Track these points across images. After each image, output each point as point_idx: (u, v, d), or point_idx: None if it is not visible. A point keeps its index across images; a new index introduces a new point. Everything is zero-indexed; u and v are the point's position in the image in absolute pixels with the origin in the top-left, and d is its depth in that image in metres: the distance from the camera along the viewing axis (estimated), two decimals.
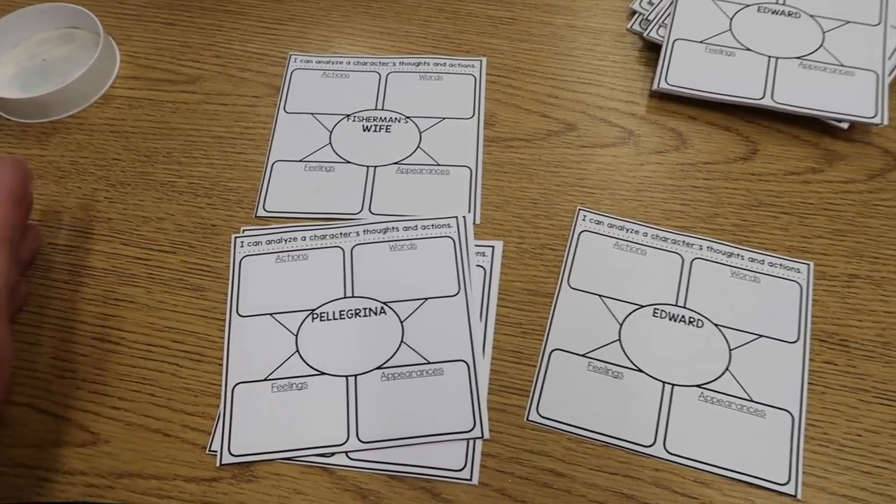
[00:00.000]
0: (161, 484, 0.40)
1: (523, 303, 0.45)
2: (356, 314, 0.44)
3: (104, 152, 0.52)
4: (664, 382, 0.42)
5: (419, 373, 0.42)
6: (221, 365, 0.43)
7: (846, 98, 0.50)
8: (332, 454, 0.40)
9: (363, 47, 0.57)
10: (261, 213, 0.49)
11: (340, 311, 0.45)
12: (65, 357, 0.44)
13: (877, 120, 0.49)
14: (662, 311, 0.44)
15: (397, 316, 0.44)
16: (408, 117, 0.53)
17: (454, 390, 0.42)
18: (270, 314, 0.45)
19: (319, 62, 0.56)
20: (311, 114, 0.53)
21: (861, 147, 0.50)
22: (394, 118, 0.53)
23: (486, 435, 0.41)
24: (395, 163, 0.51)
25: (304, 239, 0.47)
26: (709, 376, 0.42)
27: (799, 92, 0.50)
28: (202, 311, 0.45)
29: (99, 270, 0.47)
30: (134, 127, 0.53)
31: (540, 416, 0.41)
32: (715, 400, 0.41)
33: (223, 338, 0.44)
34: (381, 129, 0.52)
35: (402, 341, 0.43)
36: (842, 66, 0.51)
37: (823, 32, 0.53)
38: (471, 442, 0.41)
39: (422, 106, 0.53)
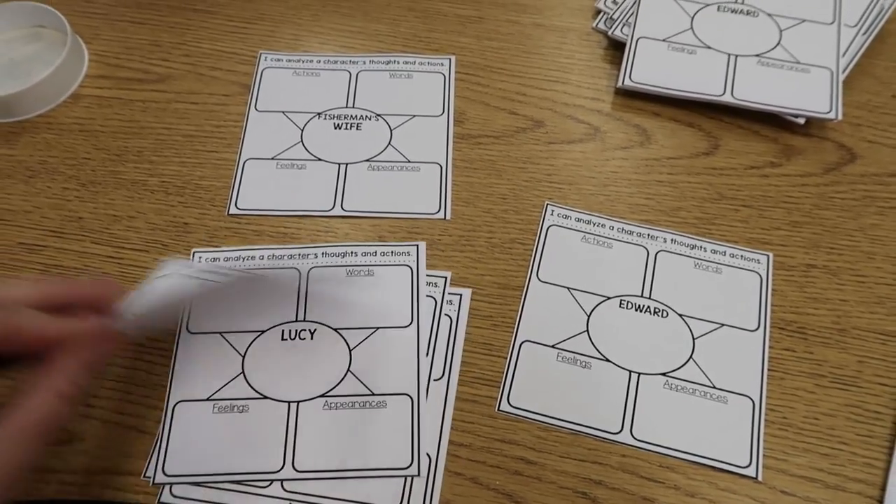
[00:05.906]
0: (136, 480, 0.40)
1: (494, 296, 0.46)
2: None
3: (74, 151, 0.52)
4: (630, 371, 0.43)
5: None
6: None
7: (802, 94, 0.51)
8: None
9: (333, 46, 0.58)
10: (233, 210, 0.49)
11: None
12: None
13: (831, 115, 0.50)
14: (628, 302, 0.45)
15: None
16: (378, 115, 0.53)
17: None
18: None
19: (290, 61, 0.56)
20: (283, 112, 0.54)
21: (817, 142, 0.52)
22: (365, 116, 0.53)
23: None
24: (367, 160, 0.51)
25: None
26: (673, 364, 0.43)
27: (757, 88, 0.52)
28: None
29: (70, 270, 0.47)
30: (104, 126, 0.53)
31: (510, 405, 0.42)
32: (679, 387, 0.43)
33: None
34: (352, 126, 0.53)
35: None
36: (798, 63, 0.53)
37: (780, 31, 0.54)
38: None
39: (392, 104, 0.54)
